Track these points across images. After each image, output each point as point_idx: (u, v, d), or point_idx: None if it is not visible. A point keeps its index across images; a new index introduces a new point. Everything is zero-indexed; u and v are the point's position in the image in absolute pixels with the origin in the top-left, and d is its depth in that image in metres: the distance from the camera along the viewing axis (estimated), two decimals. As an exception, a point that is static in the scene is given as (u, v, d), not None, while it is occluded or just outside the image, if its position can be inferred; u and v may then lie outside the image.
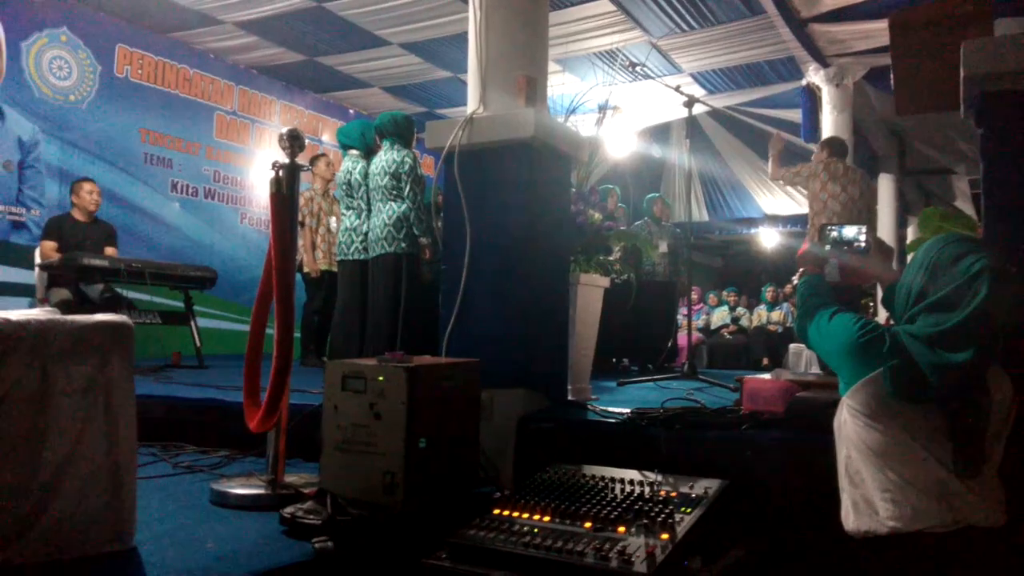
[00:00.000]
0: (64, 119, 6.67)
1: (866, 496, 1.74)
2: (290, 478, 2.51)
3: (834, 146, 5.73)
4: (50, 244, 5.53)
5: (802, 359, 7.90)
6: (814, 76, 7.86)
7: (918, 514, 1.66)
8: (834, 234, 2.16)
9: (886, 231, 10.10)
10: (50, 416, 1.70)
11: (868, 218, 5.53)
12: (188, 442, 3.23)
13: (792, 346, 8.40)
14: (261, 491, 2.39)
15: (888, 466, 1.70)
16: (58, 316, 1.80)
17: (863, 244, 2.13)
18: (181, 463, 2.90)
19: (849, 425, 1.78)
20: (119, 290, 5.59)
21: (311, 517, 2.07)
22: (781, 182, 6.02)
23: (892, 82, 3.32)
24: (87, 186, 5.77)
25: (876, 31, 6.51)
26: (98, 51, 6.93)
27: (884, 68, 6.40)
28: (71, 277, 5.26)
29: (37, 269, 5.59)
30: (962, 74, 2.48)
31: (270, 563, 1.82)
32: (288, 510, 2.12)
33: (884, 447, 1.71)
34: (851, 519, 1.78)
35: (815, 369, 5.97)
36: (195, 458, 3.00)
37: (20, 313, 1.76)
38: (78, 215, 5.73)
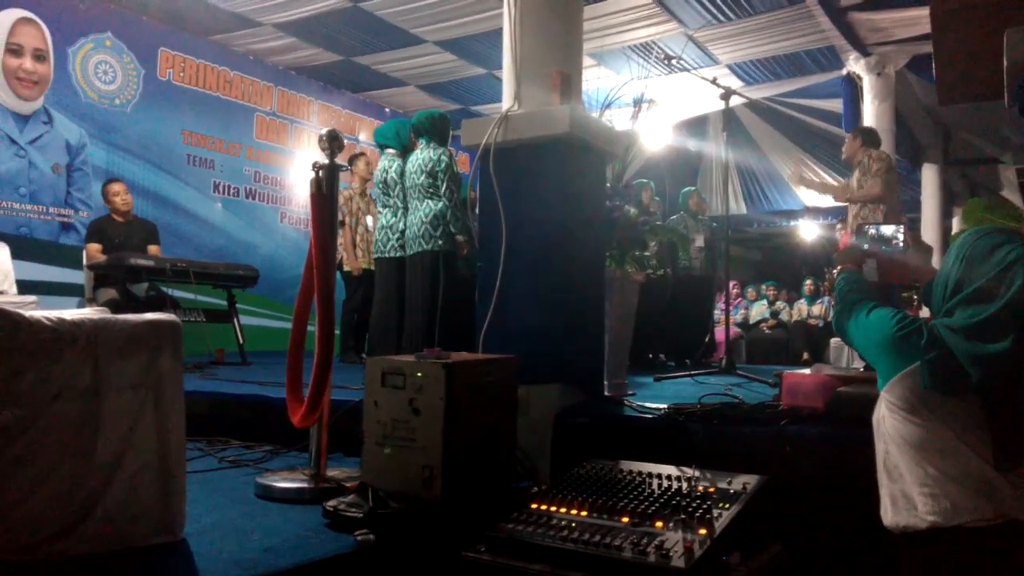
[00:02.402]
0: (109, 122, 6.84)
1: (905, 491, 1.73)
2: (332, 472, 2.57)
3: (869, 137, 5.55)
4: (95, 246, 5.67)
5: (843, 354, 7.76)
6: (855, 65, 7.72)
7: (957, 509, 1.64)
8: (872, 232, 2.14)
9: (930, 223, 9.90)
10: (103, 411, 1.76)
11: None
12: (233, 437, 3.30)
13: (833, 340, 8.26)
14: (304, 485, 2.45)
15: (927, 460, 1.69)
16: (110, 315, 1.86)
17: (901, 243, 2.11)
18: (227, 458, 2.97)
19: (887, 420, 1.77)
20: (164, 289, 5.73)
21: (353, 510, 2.11)
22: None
23: (934, 71, 3.26)
24: (114, 187, 5.89)
25: (918, 18, 6.38)
26: (141, 55, 7.09)
27: (927, 56, 6.28)
28: (118, 277, 5.40)
29: (85, 269, 5.74)
30: (1005, 62, 2.43)
31: (314, 555, 1.87)
32: (331, 503, 2.17)
33: (922, 441, 1.69)
34: (890, 514, 1.77)
35: (857, 364, 5.85)
36: (240, 453, 3.07)
37: (74, 313, 1.82)
38: (116, 216, 5.88)
